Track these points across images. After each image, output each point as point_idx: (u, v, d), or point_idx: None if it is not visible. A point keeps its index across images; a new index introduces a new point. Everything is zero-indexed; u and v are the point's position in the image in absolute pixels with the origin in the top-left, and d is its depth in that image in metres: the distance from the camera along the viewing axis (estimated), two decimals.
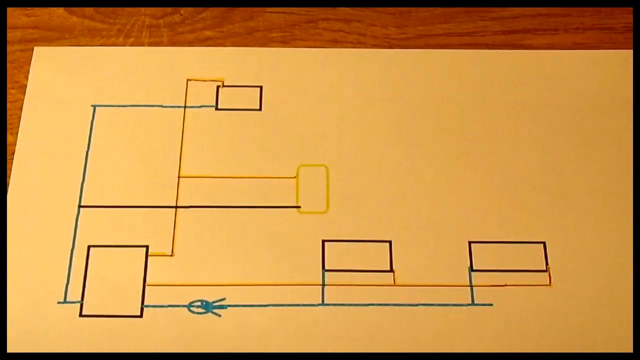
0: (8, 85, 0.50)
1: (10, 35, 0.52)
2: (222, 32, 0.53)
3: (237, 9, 0.54)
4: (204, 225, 0.46)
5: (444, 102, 0.50)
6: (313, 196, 0.47)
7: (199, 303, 0.43)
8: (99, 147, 0.48)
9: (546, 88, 0.50)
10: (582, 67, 0.51)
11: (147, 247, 0.45)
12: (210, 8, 0.54)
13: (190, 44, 0.52)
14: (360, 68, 0.51)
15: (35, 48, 0.51)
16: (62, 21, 0.53)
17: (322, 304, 0.44)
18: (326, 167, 0.48)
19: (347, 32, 0.53)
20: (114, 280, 0.44)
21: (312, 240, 0.45)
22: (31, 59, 0.51)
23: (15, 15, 0.53)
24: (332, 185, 0.47)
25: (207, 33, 0.53)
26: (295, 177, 0.47)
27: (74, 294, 0.44)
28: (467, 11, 0.54)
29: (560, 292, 0.44)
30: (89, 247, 0.45)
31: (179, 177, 0.47)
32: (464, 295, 0.44)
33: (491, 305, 0.44)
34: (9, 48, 0.51)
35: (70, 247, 0.45)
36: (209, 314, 0.43)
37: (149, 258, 0.45)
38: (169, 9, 0.53)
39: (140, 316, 0.43)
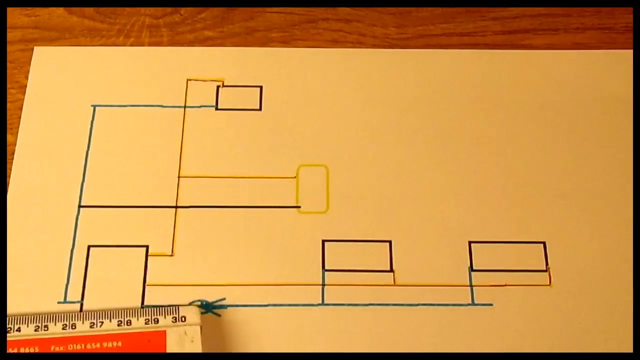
0: (8, 85, 0.50)
1: (10, 35, 0.52)
2: (222, 32, 0.53)
3: (237, 9, 0.53)
4: (204, 225, 0.46)
5: (444, 102, 0.50)
6: (313, 196, 0.47)
7: (199, 303, 0.43)
8: (99, 147, 0.48)
9: (546, 88, 0.50)
10: (582, 67, 0.51)
11: (147, 247, 0.45)
12: (210, 8, 0.54)
13: (190, 44, 0.52)
14: (360, 68, 0.51)
15: (35, 48, 0.51)
16: (62, 21, 0.53)
17: (322, 304, 0.44)
18: (326, 167, 0.48)
19: (347, 32, 0.53)
20: (114, 280, 0.44)
21: (312, 240, 0.45)
22: (31, 59, 0.51)
23: (15, 15, 0.53)
24: (332, 185, 0.47)
25: (207, 33, 0.53)
26: (295, 177, 0.47)
27: (74, 294, 0.44)
28: (467, 11, 0.54)
29: (560, 292, 0.44)
30: (89, 247, 0.45)
31: (179, 177, 0.47)
32: (464, 295, 0.44)
33: (491, 305, 0.44)
34: (9, 48, 0.51)
35: (70, 247, 0.45)
36: (209, 314, 0.43)
37: (149, 258, 0.45)
38: (169, 9, 0.53)
39: None
